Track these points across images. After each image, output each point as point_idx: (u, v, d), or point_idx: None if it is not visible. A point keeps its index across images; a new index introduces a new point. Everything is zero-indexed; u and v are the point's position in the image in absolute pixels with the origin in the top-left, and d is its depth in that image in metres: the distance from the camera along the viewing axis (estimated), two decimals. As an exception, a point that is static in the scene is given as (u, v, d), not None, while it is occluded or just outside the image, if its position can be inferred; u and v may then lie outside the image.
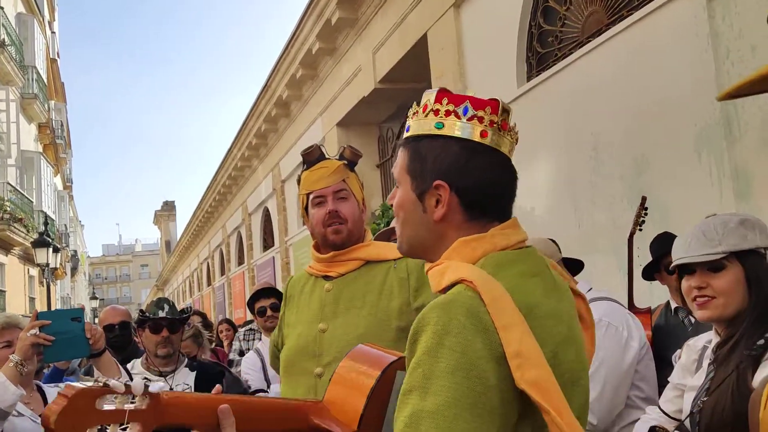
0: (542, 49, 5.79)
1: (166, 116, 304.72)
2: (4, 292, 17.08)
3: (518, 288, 1.14)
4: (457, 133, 1.25)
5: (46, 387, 2.93)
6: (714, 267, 1.86)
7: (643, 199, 3.30)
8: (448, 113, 1.26)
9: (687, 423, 1.87)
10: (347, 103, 9.68)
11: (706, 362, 1.92)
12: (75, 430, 0.92)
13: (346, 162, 2.28)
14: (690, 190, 4.00)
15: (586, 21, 5.31)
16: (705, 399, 1.77)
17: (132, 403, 0.98)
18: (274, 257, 14.97)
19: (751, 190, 3.64)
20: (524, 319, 1.08)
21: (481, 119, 1.25)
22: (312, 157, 2.27)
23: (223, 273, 22.53)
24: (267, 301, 4.34)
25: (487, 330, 1.05)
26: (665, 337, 2.88)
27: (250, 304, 4.48)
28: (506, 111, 1.28)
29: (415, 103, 1.33)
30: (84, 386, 0.93)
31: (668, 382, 2.12)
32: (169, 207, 52.20)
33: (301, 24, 10.09)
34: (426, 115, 1.28)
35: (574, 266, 2.77)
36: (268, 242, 16.26)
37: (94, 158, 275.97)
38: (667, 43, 4.20)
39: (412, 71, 8.03)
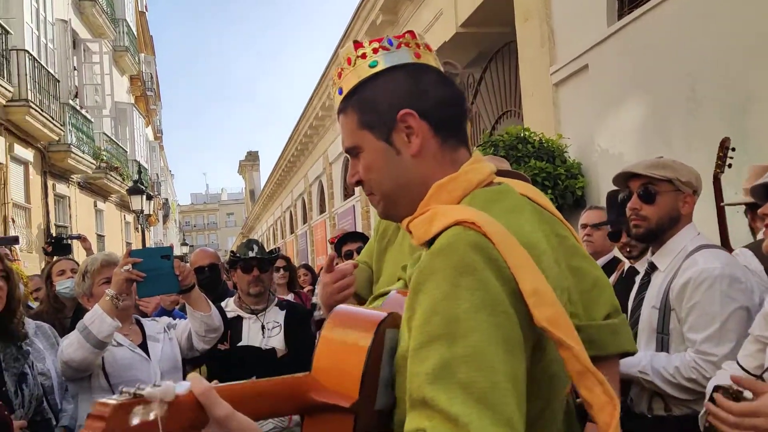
0: (636, -15, 5.48)
1: (249, 68, 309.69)
2: (104, 236, 18.11)
3: (511, 225, 1.07)
4: (395, 62, 1.21)
5: (144, 320, 3.11)
6: None
7: (724, 140, 3.19)
8: (375, 50, 1.22)
9: None
10: (428, 48, 9.50)
11: None
12: None
13: None
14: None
15: (686, -48, 4.97)
16: None
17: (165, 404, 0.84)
18: (354, 206, 15.17)
19: None
20: (530, 257, 1.02)
21: (407, 44, 1.23)
22: None
23: (305, 221, 23.05)
24: (354, 245, 4.38)
25: (500, 267, 0.99)
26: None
27: (338, 247, 4.54)
28: (422, 37, 1.27)
29: (334, 66, 1.28)
30: (116, 402, 0.80)
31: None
32: (252, 157, 53.35)
33: (381, -32, 9.94)
34: (354, 65, 1.22)
35: None
36: (348, 191, 16.47)
37: (181, 110, 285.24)
38: (778, -27, 3.89)
39: (494, 14, 7.79)
